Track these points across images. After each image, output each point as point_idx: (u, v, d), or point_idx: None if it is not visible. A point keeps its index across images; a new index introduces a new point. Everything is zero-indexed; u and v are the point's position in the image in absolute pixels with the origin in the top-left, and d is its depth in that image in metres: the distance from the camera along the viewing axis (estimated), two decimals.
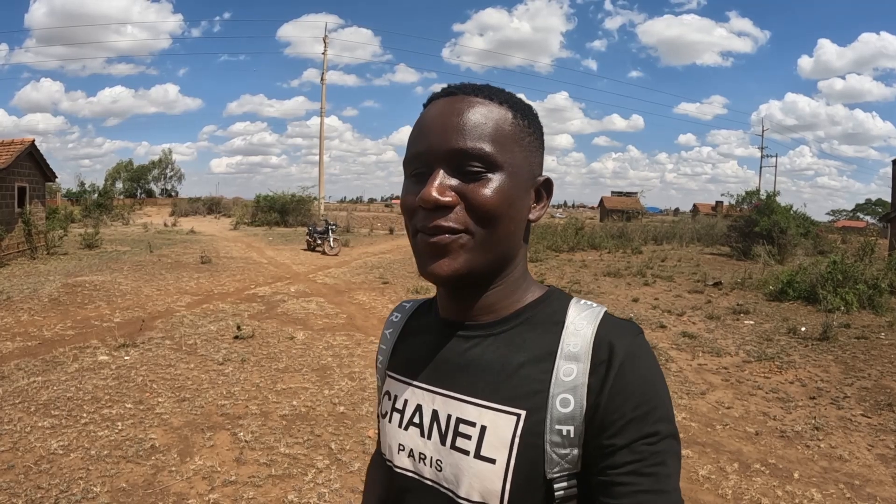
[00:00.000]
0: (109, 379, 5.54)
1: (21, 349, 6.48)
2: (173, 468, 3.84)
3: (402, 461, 0.84)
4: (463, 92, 0.80)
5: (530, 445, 0.72)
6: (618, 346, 0.72)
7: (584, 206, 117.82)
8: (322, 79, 34.89)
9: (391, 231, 29.96)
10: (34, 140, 15.96)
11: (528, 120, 0.80)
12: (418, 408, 0.84)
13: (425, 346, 0.87)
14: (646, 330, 8.01)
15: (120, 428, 4.45)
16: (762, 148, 50.99)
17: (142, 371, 5.81)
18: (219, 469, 3.86)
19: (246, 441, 4.29)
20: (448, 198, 0.74)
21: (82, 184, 39.66)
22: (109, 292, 9.94)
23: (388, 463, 0.88)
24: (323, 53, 34.77)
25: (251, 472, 3.83)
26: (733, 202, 27.11)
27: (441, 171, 0.75)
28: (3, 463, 3.83)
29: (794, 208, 20.57)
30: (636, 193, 63.24)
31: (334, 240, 18.00)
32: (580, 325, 0.76)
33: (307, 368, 6.09)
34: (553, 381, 0.73)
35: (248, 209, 35.59)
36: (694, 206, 59.90)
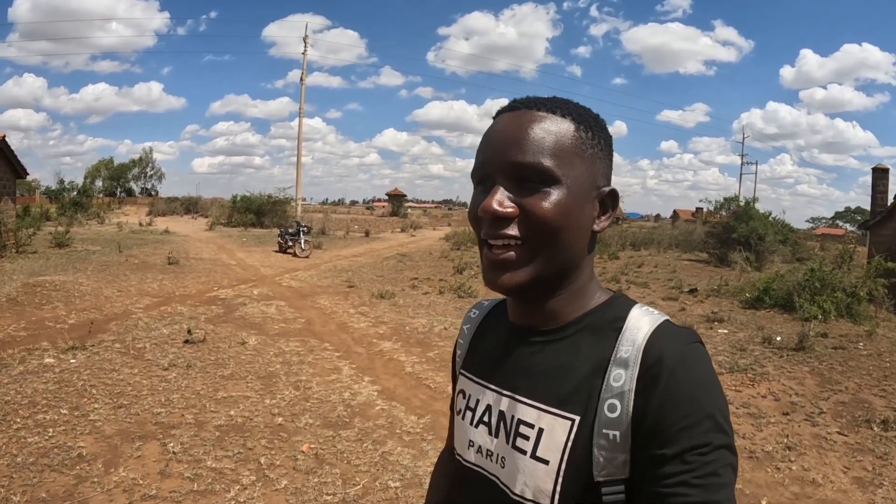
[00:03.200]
0: (51, 383, 5.27)
1: None
2: (96, 479, 3.63)
3: (470, 456, 0.89)
4: (526, 106, 0.82)
5: (581, 448, 0.74)
6: (668, 354, 0.73)
7: None
8: (301, 79, 34.59)
9: (367, 234, 29.64)
10: (4, 136, 15.47)
11: (592, 131, 0.82)
12: (488, 408, 0.87)
13: (495, 348, 0.91)
14: None
15: (51, 434, 4.22)
16: (742, 155, 51.27)
17: (84, 375, 5.52)
18: (141, 482, 3.62)
19: (174, 453, 4.02)
20: (508, 209, 0.77)
21: (62, 181, 39.13)
22: (69, 293, 9.59)
23: (458, 456, 0.93)
24: (303, 53, 34.42)
25: (173, 487, 3.57)
26: (712, 208, 27.14)
27: (500, 182, 0.79)
28: None
29: (773, 215, 20.60)
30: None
31: (305, 242, 17.77)
32: (635, 331, 0.77)
33: (252, 376, 5.81)
34: (604, 385, 0.75)
35: (225, 210, 35.17)
36: (674, 212, 60.01)
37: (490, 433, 0.86)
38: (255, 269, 14.46)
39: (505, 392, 0.86)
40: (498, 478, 0.83)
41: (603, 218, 0.84)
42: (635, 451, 0.72)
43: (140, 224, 29.06)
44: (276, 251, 18.66)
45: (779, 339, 7.74)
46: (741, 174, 50.97)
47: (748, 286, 11.39)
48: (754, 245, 17.48)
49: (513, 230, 0.77)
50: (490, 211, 0.77)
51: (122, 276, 11.70)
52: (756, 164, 50.77)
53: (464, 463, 0.91)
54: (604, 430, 0.73)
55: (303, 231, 18.07)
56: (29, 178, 19.23)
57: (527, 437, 0.80)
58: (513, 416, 0.83)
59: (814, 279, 10.02)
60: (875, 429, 4.84)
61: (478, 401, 0.90)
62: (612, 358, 0.76)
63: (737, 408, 5.29)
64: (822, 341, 7.69)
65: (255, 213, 32.27)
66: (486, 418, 0.87)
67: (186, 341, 6.82)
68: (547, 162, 0.77)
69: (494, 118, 0.86)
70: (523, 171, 0.77)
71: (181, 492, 3.52)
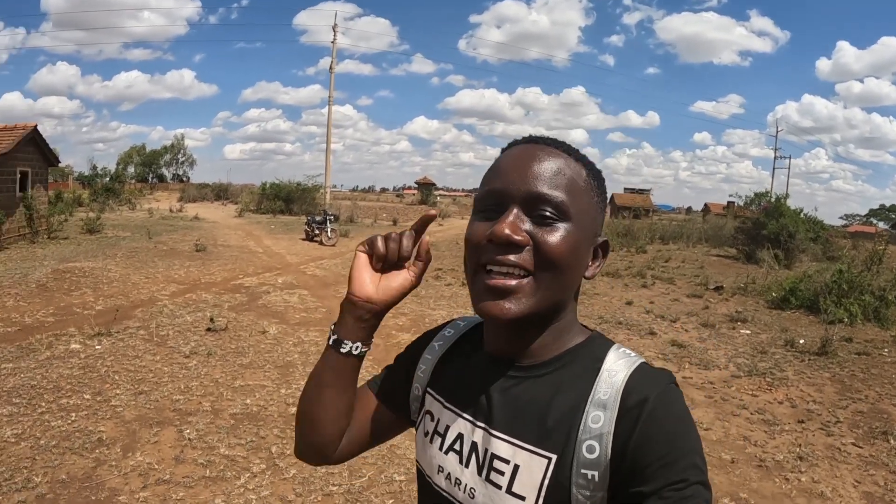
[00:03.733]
0: (76, 368, 5.45)
1: (0, 335, 6.39)
2: (113, 463, 3.78)
3: (440, 481, 0.89)
4: (544, 142, 0.83)
5: (558, 486, 0.75)
6: (646, 396, 0.74)
7: None
8: (331, 68, 34.67)
9: (394, 222, 29.76)
10: (36, 125, 15.92)
11: (597, 182, 0.85)
12: (459, 436, 0.87)
13: (470, 376, 0.90)
14: (633, 337, 7.83)
15: (73, 419, 4.39)
16: (776, 149, 50.15)
17: (108, 361, 5.70)
18: (156, 467, 3.76)
19: (189, 439, 4.16)
20: (520, 236, 0.76)
21: (95, 167, 39.80)
22: (98, 279, 9.83)
23: (426, 478, 0.92)
24: (332, 42, 34.51)
25: (186, 472, 3.71)
26: (742, 203, 26.58)
27: (515, 210, 0.78)
28: None
29: (805, 212, 20.11)
30: (648, 191, 62.61)
31: (332, 230, 17.88)
32: (613, 373, 0.78)
33: (270, 365, 5.93)
34: (582, 426, 0.76)
35: (255, 196, 35.59)
36: (705, 205, 59.01)
37: (461, 462, 0.86)
38: (280, 256, 14.61)
39: (479, 424, 0.85)
40: None
41: (593, 266, 0.86)
42: (614, 488, 0.73)
43: (170, 210, 29.50)
44: (303, 239, 18.80)
45: (802, 342, 7.60)
46: (774, 168, 50.01)
47: (775, 285, 11.18)
48: (784, 242, 17.12)
49: (521, 259, 0.77)
50: (504, 236, 0.76)
51: (149, 263, 11.95)
52: (790, 158, 49.72)
53: (432, 485, 0.91)
54: (583, 471, 0.74)
55: (329, 219, 18.21)
56: (62, 164, 19.71)
57: (501, 472, 0.80)
58: (486, 450, 0.83)
59: (841, 281, 9.78)
60: (892, 441, 4.70)
61: (448, 427, 0.90)
62: (590, 399, 0.77)
63: (751, 413, 5.20)
64: (846, 346, 7.52)
65: (284, 200, 32.60)
66: (456, 447, 0.87)
67: (209, 329, 6.97)
68: (564, 197, 0.78)
69: (506, 149, 0.87)
70: (541, 202, 0.77)
71: (194, 477, 3.64)
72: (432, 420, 0.93)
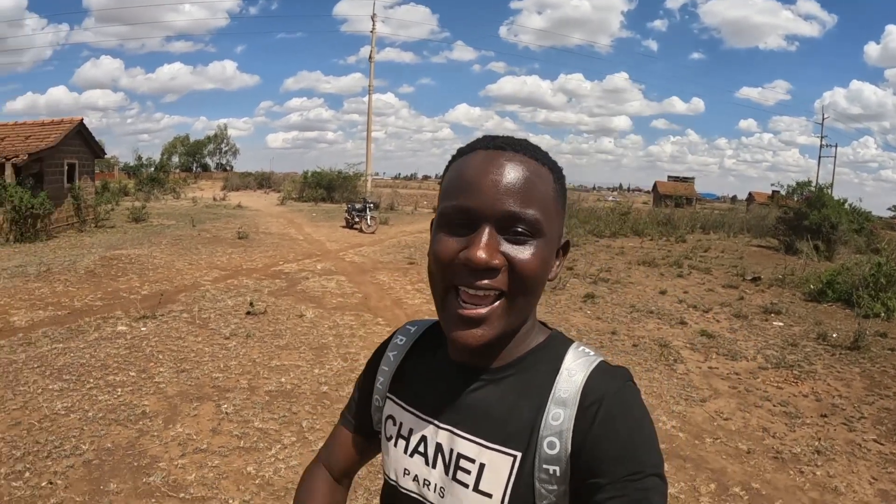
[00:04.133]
0: (122, 348, 5.79)
1: (51, 318, 6.81)
2: (155, 433, 4.07)
3: (407, 484, 0.90)
4: (512, 148, 0.80)
5: (523, 483, 0.78)
6: (603, 394, 0.77)
7: (640, 190, 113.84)
8: (370, 57, 34.98)
9: (435, 210, 29.88)
10: (82, 119, 16.60)
11: (560, 182, 0.83)
12: (423, 438, 0.89)
13: (433, 381, 0.91)
14: (664, 326, 7.86)
15: (119, 394, 4.70)
16: (822, 137, 48.44)
17: (153, 342, 6.05)
18: (194, 437, 4.04)
19: (226, 413, 4.44)
20: (497, 261, 0.75)
21: (139, 158, 40.88)
22: (143, 266, 10.30)
23: (392, 483, 0.93)
24: (371, 31, 34.79)
25: (222, 443, 3.98)
26: (784, 193, 25.86)
27: (488, 230, 0.76)
28: (11, 419, 4.16)
29: (850, 202, 19.57)
30: (692, 179, 61.36)
31: (371, 218, 18.18)
32: (573, 372, 0.80)
33: (306, 347, 6.18)
34: (543, 423, 0.78)
35: (297, 185, 36.20)
36: (749, 194, 57.27)
37: (427, 464, 0.88)
38: (320, 243, 14.93)
39: (444, 426, 0.87)
40: None
41: (556, 266, 0.85)
42: (575, 482, 0.76)
43: (214, 199, 30.24)
44: (343, 226, 19.14)
45: (835, 335, 7.50)
46: (820, 157, 48.29)
47: (813, 277, 10.99)
48: (825, 233, 16.67)
49: (496, 282, 0.76)
50: (481, 262, 0.74)
51: (193, 250, 12.39)
52: (836, 146, 48.04)
53: (401, 490, 0.92)
54: (544, 466, 0.77)
55: (369, 207, 18.50)
56: (108, 155, 20.48)
57: (468, 472, 0.82)
58: (452, 450, 0.85)
59: (879, 274, 9.55)
60: None
61: (411, 430, 0.91)
62: (551, 397, 0.79)
63: (774, 405, 5.20)
64: (879, 341, 7.35)
65: (326, 188, 33.17)
66: (421, 449, 0.89)
67: (248, 313, 7.28)
68: (539, 215, 0.76)
69: (465, 152, 0.84)
70: (517, 221, 0.76)
71: (228, 447, 3.93)
72: (394, 424, 0.94)
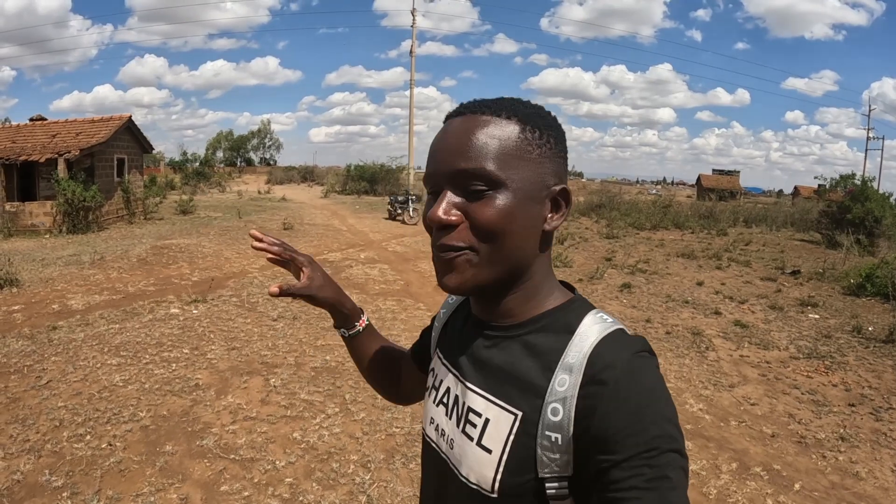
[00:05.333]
0: (175, 328, 6.19)
1: (106, 301, 7.28)
2: (208, 403, 4.42)
3: (430, 431, 0.95)
4: (471, 111, 0.82)
5: (523, 445, 0.77)
6: (613, 363, 0.73)
7: (684, 184, 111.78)
8: (411, 51, 35.09)
9: None
10: (131, 115, 17.26)
11: (539, 131, 0.82)
12: (448, 390, 0.93)
13: (462, 336, 0.95)
14: (698, 316, 7.92)
15: (174, 368, 5.07)
16: (868, 129, 46.65)
17: (204, 323, 6.44)
18: (244, 407, 4.37)
19: (274, 386, 4.77)
20: (452, 217, 0.79)
21: (185, 153, 41.96)
22: (193, 254, 10.80)
23: (424, 430, 0.99)
24: (412, 26, 34.99)
25: (270, 412, 4.31)
26: (827, 186, 25.18)
27: (448, 192, 0.80)
28: (73, 390, 4.54)
29: (895, 196, 19.05)
30: (736, 172, 60.06)
31: (414, 209, 18.49)
32: (584, 337, 0.78)
33: None
34: (549, 388, 0.77)
35: (340, 178, 36.81)
36: (795, 188, 55.79)
37: (446, 414, 0.91)
38: (364, 234, 15.31)
39: (461, 378, 0.90)
40: (448, 458, 0.89)
41: (555, 217, 0.84)
42: (580, 455, 0.73)
43: (259, 192, 30.97)
44: (386, 218, 19.57)
45: (870, 329, 7.45)
46: (866, 149, 46.49)
47: (853, 272, 10.85)
48: (868, 227, 16.32)
49: (458, 239, 0.79)
50: (435, 220, 0.79)
51: (240, 240, 12.84)
52: (883, 139, 46.30)
53: (425, 437, 0.97)
54: (546, 433, 0.75)
55: (412, 199, 18.88)
56: (154, 150, 21.26)
57: (475, 425, 0.84)
58: (464, 403, 0.87)
59: None
60: None
61: (441, 381, 0.95)
62: (560, 362, 0.77)
63: (802, 393, 5.25)
64: None
65: (369, 181, 33.68)
66: (445, 399, 0.93)
67: None
68: (490, 166, 0.77)
69: (444, 122, 0.87)
70: (467, 177, 0.78)
71: (276, 416, 4.25)
72: (432, 376, 1.00)
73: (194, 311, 6.87)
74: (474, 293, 0.84)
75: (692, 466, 3.76)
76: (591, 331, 0.79)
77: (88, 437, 3.80)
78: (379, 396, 4.64)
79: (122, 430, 3.91)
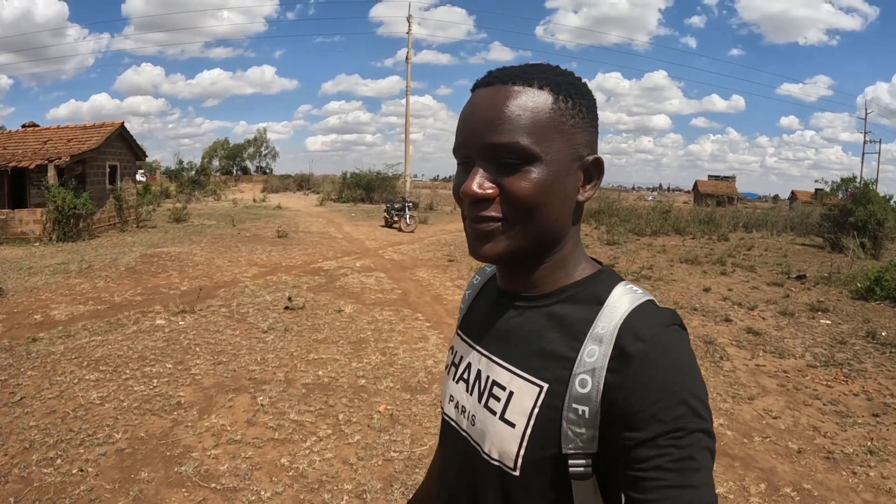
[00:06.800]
0: (160, 341, 5.88)
1: (91, 312, 6.98)
2: (189, 423, 4.10)
3: (449, 410, 0.93)
4: (500, 80, 0.80)
5: (548, 418, 0.75)
6: (643, 335, 0.72)
7: (680, 190, 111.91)
8: (407, 59, 35.03)
9: None
10: (123, 122, 17.10)
11: (572, 100, 0.80)
12: (469, 365, 0.91)
13: (483, 311, 0.94)
14: (708, 323, 7.63)
15: (155, 384, 4.77)
16: (865, 132, 47.02)
17: (190, 335, 6.13)
18: (229, 428, 4.05)
19: (262, 405, 4.44)
20: (487, 191, 0.78)
21: (181, 161, 42.00)
22: (183, 262, 10.49)
23: (442, 411, 0.97)
24: (407, 33, 34.90)
25: (256, 434, 3.98)
26: (828, 190, 25.14)
27: (479, 165, 0.79)
28: (47, 408, 4.25)
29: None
30: (733, 178, 60.23)
31: (410, 217, 18.25)
32: (615, 308, 0.76)
33: (344, 341, 6.17)
34: (578, 359, 0.75)
35: (336, 186, 36.71)
36: (792, 192, 56.04)
37: (467, 390, 0.89)
38: (360, 242, 15.03)
39: (484, 352, 0.88)
40: (469, 435, 0.86)
41: (588, 188, 0.83)
42: (606, 430, 0.71)
43: (254, 200, 30.84)
44: (383, 225, 19.31)
45: (884, 334, 7.17)
46: (863, 153, 47.16)
47: (860, 275, 10.59)
48: (872, 230, 16.12)
49: (493, 211, 0.78)
50: (470, 194, 0.77)
51: (233, 248, 12.58)
52: (880, 142, 46.64)
53: (443, 416, 0.95)
54: (574, 405, 0.73)
55: (408, 206, 18.60)
56: (150, 159, 21.19)
57: (498, 399, 0.81)
58: (488, 377, 0.85)
59: None
60: None
61: (461, 357, 0.93)
62: (590, 333, 0.75)
63: (824, 404, 4.99)
64: None
65: (365, 188, 33.63)
66: (465, 375, 0.90)
67: (287, 307, 7.32)
68: (524, 140, 0.76)
69: (472, 91, 0.85)
70: (501, 151, 0.76)
71: (263, 439, 3.91)
72: (452, 354, 0.98)
73: (181, 323, 6.57)
74: (508, 262, 0.83)
75: (719, 489, 3.50)
76: (621, 301, 0.77)
77: (59, 461, 3.50)
78: (375, 417, 4.41)
79: (96, 453, 3.61)
